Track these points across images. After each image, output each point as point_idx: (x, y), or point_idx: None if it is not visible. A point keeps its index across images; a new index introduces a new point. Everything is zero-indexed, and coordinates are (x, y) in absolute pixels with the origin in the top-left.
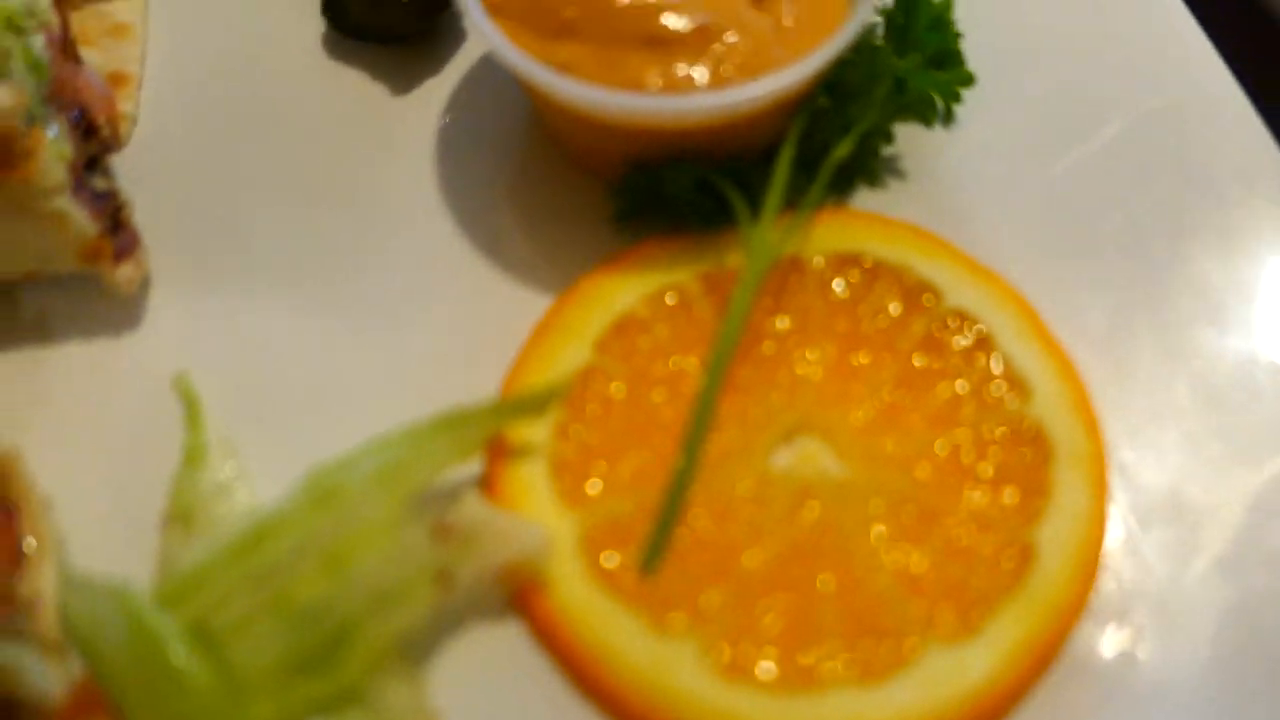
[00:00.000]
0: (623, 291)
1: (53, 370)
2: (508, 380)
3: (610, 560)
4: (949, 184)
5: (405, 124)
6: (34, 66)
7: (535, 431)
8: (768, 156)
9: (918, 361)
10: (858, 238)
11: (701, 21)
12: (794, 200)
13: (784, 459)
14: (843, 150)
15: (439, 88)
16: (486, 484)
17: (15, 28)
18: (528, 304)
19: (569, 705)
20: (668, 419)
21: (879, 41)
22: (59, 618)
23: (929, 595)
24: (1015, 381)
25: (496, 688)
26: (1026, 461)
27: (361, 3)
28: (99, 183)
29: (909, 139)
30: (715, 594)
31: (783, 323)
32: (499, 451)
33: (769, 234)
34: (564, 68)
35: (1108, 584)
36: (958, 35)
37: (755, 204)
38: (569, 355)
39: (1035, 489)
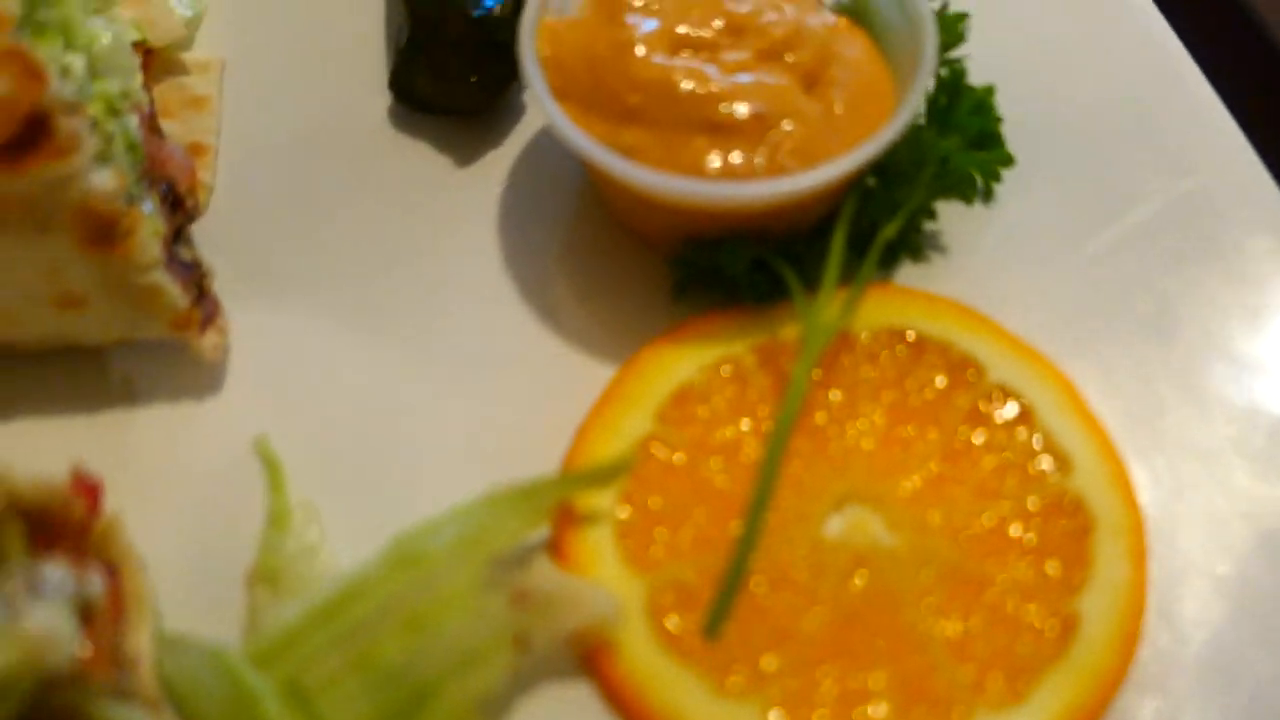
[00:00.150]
0: (682, 363)
1: (139, 432)
2: (574, 447)
3: (674, 623)
4: (988, 259)
5: (468, 194)
6: (131, 147)
7: (601, 498)
8: (818, 230)
9: (963, 434)
10: (904, 313)
11: (759, 109)
12: (843, 276)
13: (835, 526)
14: (891, 230)
15: (500, 159)
16: (555, 548)
17: (114, 110)
18: (588, 370)
19: None
20: (724, 486)
21: (922, 122)
22: (158, 676)
23: (977, 663)
24: (1056, 455)
25: None
26: (1068, 533)
27: (429, 79)
28: (184, 252)
29: (950, 215)
30: (774, 658)
31: (834, 395)
32: (567, 517)
33: (826, 313)
34: (628, 151)
35: (1146, 652)
36: (998, 119)
37: (806, 279)
38: (632, 424)
39: (1077, 560)
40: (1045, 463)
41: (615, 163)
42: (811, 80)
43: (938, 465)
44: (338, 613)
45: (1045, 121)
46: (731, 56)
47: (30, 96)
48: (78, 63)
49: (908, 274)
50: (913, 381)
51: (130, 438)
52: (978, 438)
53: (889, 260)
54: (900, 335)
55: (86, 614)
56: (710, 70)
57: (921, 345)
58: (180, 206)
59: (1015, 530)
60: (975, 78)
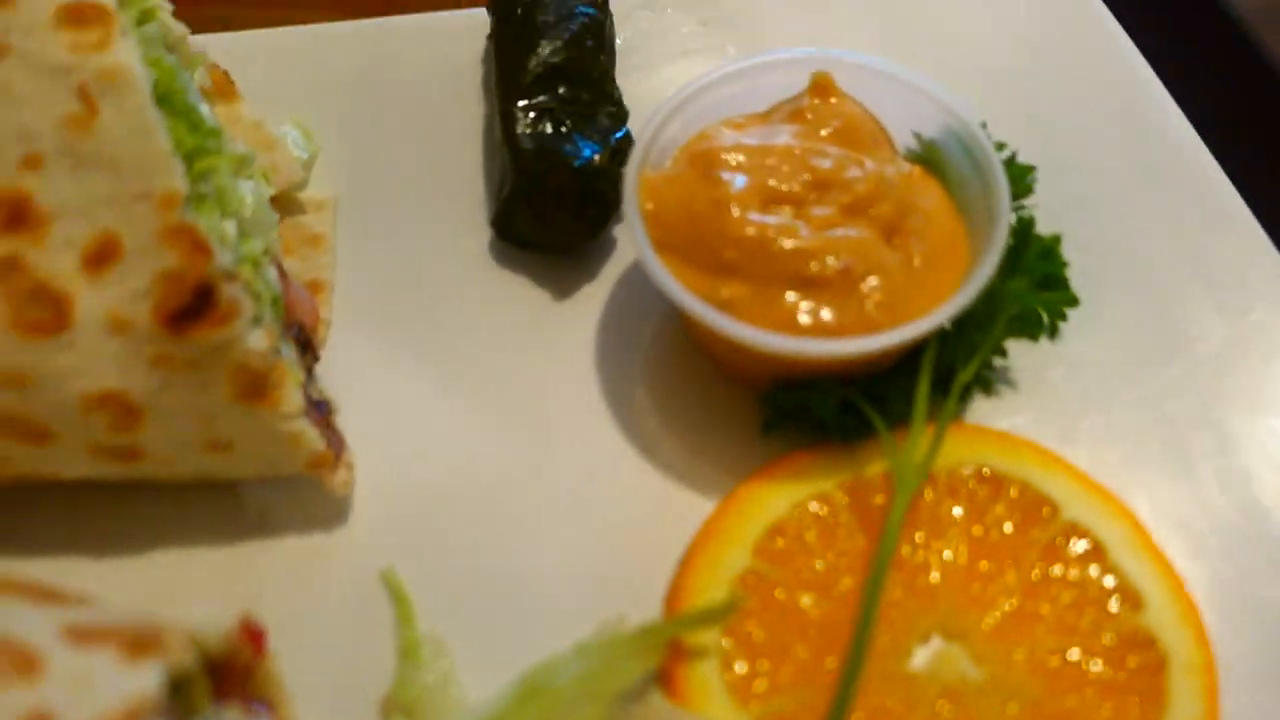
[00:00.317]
0: (776, 499)
1: (271, 563)
2: (677, 579)
3: None
4: (1055, 394)
5: (566, 327)
6: (274, 301)
7: (706, 632)
8: (897, 368)
9: (1039, 571)
10: (981, 451)
11: (847, 264)
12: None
13: (921, 659)
14: (969, 374)
15: (595, 292)
16: (666, 680)
17: (257, 265)
18: (684, 501)
19: None
20: (820, 619)
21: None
22: None
23: None
24: (1128, 593)
25: None
26: (1143, 670)
27: (530, 222)
28: (313, 389)
29: (1018, 351)
30: None
31: (918, 530)
32: (676, 651)
33: (915, 458)
34: (724, 305)
35: None
36: (1064, 264)
37: (888, 417)
38: (731, 559)
39: (1153, 697)
40: (1118, 600)
41: (714, 317)
42: (891, 231)
43: (1017, 600)
44: None
45: (1105, 264)
46: (819, 211)
47: (197, 271)
48: (230, 228)
49: (978, 405)
50: (991, 519)
51: (265, 568)
52: (1054, 573)
53: (963, 395)
54: (978, 472)
55: None
56: (800, 226)
57: (998, 482)
58: (309, 348)
59: (1094, 667)
60: (1041, 225)
